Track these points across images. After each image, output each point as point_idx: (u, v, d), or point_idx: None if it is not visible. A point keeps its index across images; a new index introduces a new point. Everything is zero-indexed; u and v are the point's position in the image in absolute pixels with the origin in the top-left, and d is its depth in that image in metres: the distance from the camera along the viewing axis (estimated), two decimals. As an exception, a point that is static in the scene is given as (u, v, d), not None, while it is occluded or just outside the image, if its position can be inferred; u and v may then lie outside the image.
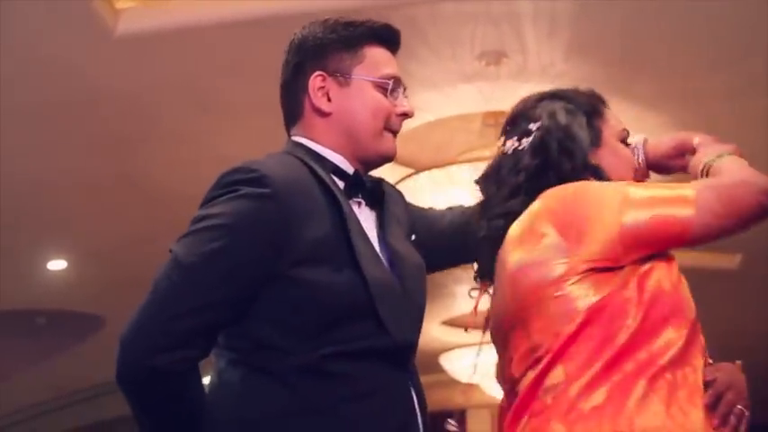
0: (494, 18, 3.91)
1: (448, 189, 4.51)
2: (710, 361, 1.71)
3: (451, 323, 7.45)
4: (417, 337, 1.76)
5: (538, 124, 1.76)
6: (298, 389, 1.61)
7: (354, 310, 1.64)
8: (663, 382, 1.55)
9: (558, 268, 1.59)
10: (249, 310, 1.64)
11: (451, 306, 6.97)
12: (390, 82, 1.79)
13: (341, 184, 1.75)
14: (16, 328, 6.82)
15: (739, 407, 1.66)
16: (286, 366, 1.62)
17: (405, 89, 1.84)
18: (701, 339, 1.66)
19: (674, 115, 4.67)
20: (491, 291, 1.75)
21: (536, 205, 1.67)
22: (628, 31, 4.03)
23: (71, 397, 8.07)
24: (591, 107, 1.83)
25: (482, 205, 1.80)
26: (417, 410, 1.71)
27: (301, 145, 1.79)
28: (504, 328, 1.70)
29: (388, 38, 1.83)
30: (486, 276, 1.76)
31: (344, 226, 1.67)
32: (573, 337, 1.57)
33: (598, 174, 1.73)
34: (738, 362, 1.76)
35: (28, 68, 4.01)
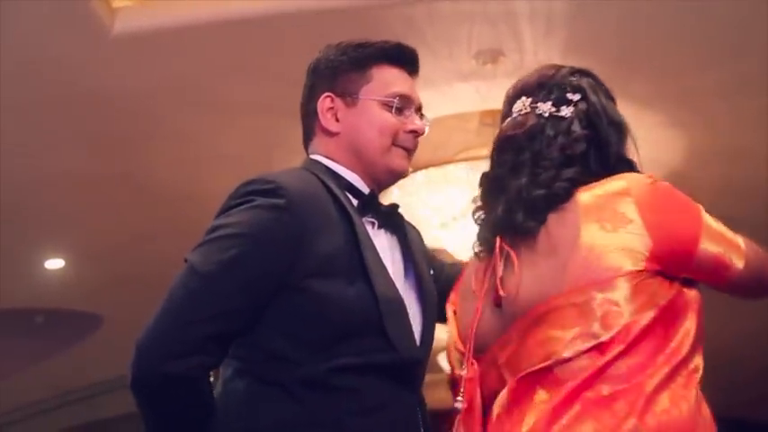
0: (490, 17, 3.91)
1: (445, 188, 4.52)
2: None
3: (450, 322, 7.46)
4: (426, 355, 1.78)
5: (578, 96, 1.75)
6: (303, 401, 1.63)
7: (363, 325, 1.67)
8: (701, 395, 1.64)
9: (641, 260, 1.58)
10: (258, 320, 1.66)
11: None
12: (396, 100, 1.82)
13: (355, 202, 1.79)
14: (14, 327, 6.82)
15: None
16: (293, 378, 1.64)
17: (419, 107, 1.88)
18: None
19: (670, 114, 4.68)
20: (514, 255, 1.65)
21: (619, 186, 1.64)
22: (624, 30, 4.03)
23: (69, 396, 8.06)
24: (612, 96, 1.84)
25: (520, 161, 1.71)
26: (421, 428, 1.72)
27: (318, 162, 1.84)
28: (548, 298, 1.59)
29: (399, 57, 1.87)
30: (528, 233, 1.65)
31: (356, 242, 1.70)
32: (644, 332, 1.56)
33: (633, 167, 1.76)
34: None
35: (25, 67, 4.01)
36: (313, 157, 1.86)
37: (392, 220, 1.85)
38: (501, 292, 1.64)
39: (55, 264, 6.06)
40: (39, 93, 4.23)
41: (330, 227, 1.69)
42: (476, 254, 1.76)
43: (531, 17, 3.89)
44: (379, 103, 1.82)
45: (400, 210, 1.89)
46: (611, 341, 1.54)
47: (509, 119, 1.78)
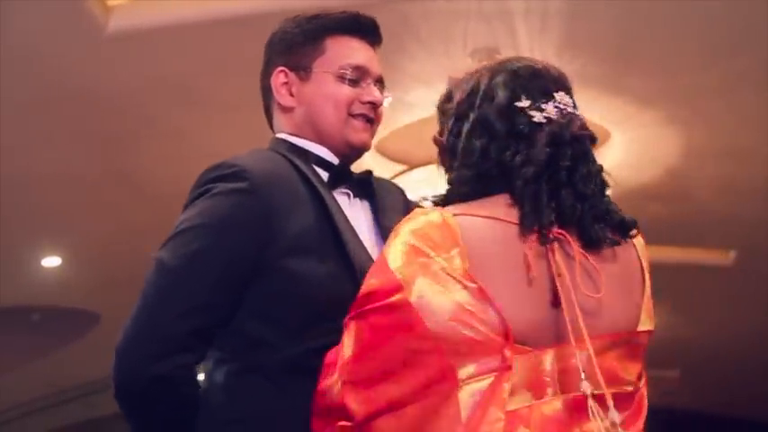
0: (486, 15, 3.91)
1: (442, 185, 4.52)
2: None
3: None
4: None
5: None
6: (285, 386, 1.59)
7: (341, 301, 1.58)
8: None
9: None
10: (237, 308, 1.62)
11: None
12: (349, 71, 1.77)
13: (325, 176, 1.74)
14: (11, 325, 6.82)
15: None
16: (274, 363, 1.60)
17: (379, 79, 1.81)
18: None
19: (668, 111, 4.68)
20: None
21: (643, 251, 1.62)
22: (620, 27, 4.03)
23: (66, 394, 8.06)
24: None
25: (593, 171, 1.55)
26: None
27: (283, 140, 1.79)
28: (631, 330, 1.54)
29: (355, 27, 1.80)
30: (606, 250, 1.54)
31: (329, 217, 1.65)
32: None
33: None
34: None
35: (20, 65, 4.00)
36: (278, 135, 1.81)
37: (366, 188, 1.80)
38: (593, 294, 1.50)
39: (52, 262, 6.06)
40: (34, 91, 4.22)
41: (300, 205, 1.65)
42: (479, 215, 1.52)
43: (526, 14, 3.88)
44: (332, 75, 1.76)
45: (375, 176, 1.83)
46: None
47: (559, 109, 1.58)
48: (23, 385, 7.68)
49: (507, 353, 1.45)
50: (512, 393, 1.45)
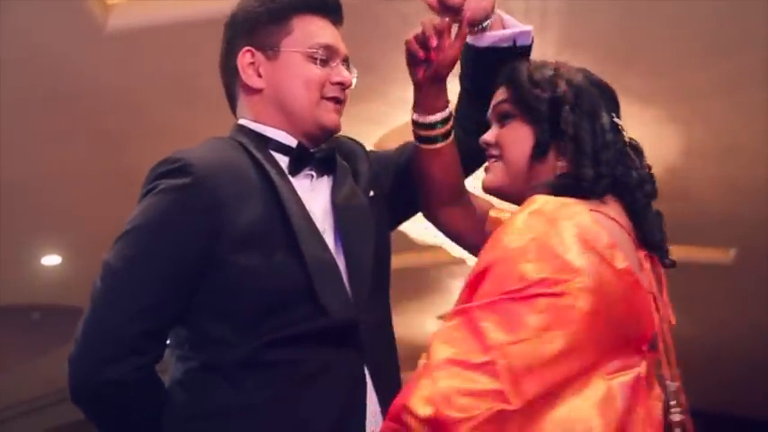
0: (485, 13, 3.90)
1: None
2: None
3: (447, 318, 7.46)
4: (367, 310, 1.65)
5: None
6: (241, 382, 1.57)
7: (294, 293, 1.58)
8: None
9: None
10: (191, 304, 1.59)
11: (447, 300, 6.97)
12: (320, 51, 1.73)
13: (285, 161, 1.70)
14: (11, 324, 6.81)
15: None
16: (230, 360, 1.57)
17: (346, 58, 1.77)
18: None
19: (667, 109, 4.67)
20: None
21: None
22: (620, 25, 4.02)
23: (66, 393, 8.05)
24: None
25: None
26: (371, 388, 1.63)
27: (243, 127, 1.74)
28: None
29: (321, 6, 1.77)
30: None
31: (281, 206, 1.61)
32: None
33: None
34: None
35: (20, 63, 4.00)
36: (239, 121, 1.76)
37: (331, 165, 1.74)
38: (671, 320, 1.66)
39: (51, 260, 6.06)
40: (33, 89, 4.22)
41: (251, 196, 1.60)
42: (609, 216, 1.58)
43: (525, 13, 3.87)
44: (302, 54, 1.72)
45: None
46: None
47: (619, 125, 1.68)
48: (23, 384, 7.68)
49: (644, 350, 1.55)
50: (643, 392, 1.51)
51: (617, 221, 1.57)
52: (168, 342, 1.65)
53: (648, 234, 1.62)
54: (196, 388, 1.60)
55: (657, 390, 1.54)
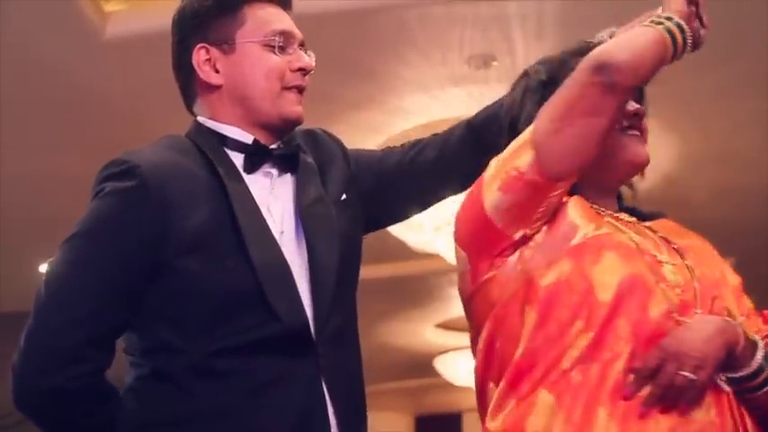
0: (482, 21, 3.91)
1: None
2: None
3: (446, 326, 7.45)
4: (329, 316, 1.59)
5: None
6: (192, 390, 1.52)
7: (243, 299, 1.53)
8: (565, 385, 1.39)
9: None
10: (140, 309, 1.54)
11: (446, 309, 6.97)
12: (277, 38, 1.66)
13: (241, 158, 1.64)
14: (7, 331, 6.79)
15: (683, 373, 1.37)
16: (180, 367, 1.52)
17: (302, 43, 1.71)
18: (621, 324, 1.42)
19: (664, 118, 4.67)
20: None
21: None
22: (614, 33, 4.03)
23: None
24: None
25: None
26: (327, 397, 1.56)
27: (199, 125, 1.69)
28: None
29: None
30: None
31: (230, 208, 1.56)
32: None
33: None
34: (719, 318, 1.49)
35: (18, 70, 4.00)
36: (197, 119, 1.70)
37: (294, 162, 1.67)
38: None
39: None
40: (32, 96, 4.22)
41: (200, 198, 1.55)
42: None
43: (522, 21, 3.88)
44: (259, 44, 1.65)
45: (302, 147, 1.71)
46: None
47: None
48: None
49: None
50: None
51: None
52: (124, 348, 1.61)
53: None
54: (147, 395, 1.55)
55: None
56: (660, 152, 4.95)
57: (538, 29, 3.93)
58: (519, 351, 1.41)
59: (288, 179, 1.67)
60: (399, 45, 3.87)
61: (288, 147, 1.68)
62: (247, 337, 1.52)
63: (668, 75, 5.09)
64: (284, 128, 1.68)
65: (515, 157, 1.46)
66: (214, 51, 1.67)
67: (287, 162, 1.67)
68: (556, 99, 1.46)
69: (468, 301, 1.53)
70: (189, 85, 1.72)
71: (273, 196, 1.64)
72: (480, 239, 1.47)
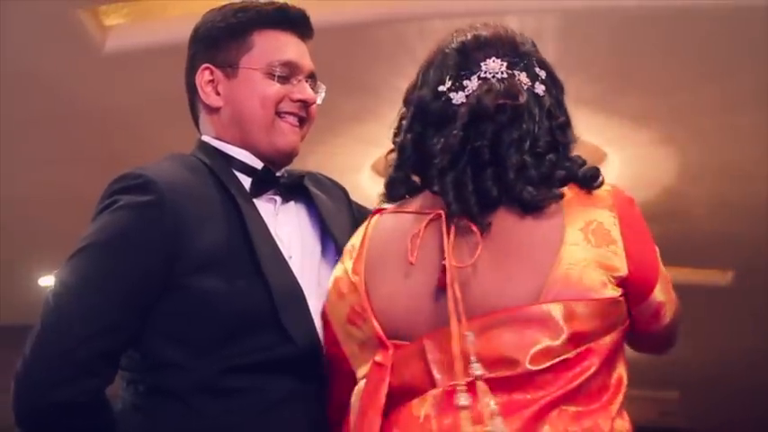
0: (482, 35, 3.91)
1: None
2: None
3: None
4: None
5: (544, 74, 1.52)
6: (200, 409, 1.50)
7: (256, 320, 1.52)
8: None
9: (617, 285, 1.42)
10: (145, 327, 1.53)
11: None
12: (278, 67, 1.66)
13: (248, 182, 1.64)
14: (6, 344, 6.78)
15: None
16: (187, 385, 1.51)
17: (311, 74, 1.69)
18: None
19: (664, 131, 4.68)
20: None
21: (605, 196, 1.44)
22: (615, 47, 4.03)
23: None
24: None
25: (511, 140, 1.41)
26: None
27: (206, 144, 1.68)
28: (519, 305, 1.41)
29: (284, 20, 1.69)
30: (500, 222, 1.41)
31: (244, 229, 1.55)
32: (609, 354, 1.48)
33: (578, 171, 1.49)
34: None
35: (18, 84, 4.01)
36: (202, 138, 1.70)
37: (297, 192, 1.68)
38: (450, 280, 1.37)
39: (49, 281, 6.04)
40: (31, 109, 4.23)
41: (213, 217, 1.54)
42: (399, 210, 1.50)
43: (520, 33, 3.89)
44: (260, 72, 1.65)
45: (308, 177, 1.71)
46: (579, 359, 1.38)
47: (483, 80, 1.46)
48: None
49: (378, 356, 1.41)
50: (396, 392, 1.37)
51: (411, 212, 1.47)
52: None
53: (459, 207, 1.41)
54: (150, 412, 1.53)
55: (439, 375, 1.37)
56: (660, 165, 4.96)
57: (537, 43, 3.93)
58: None
59: (291, 207, 1.68)
60: (399, 58, 3.88)
61: (293, 177, 1.69)
62: (258, 357, 1.52)
63: (667, 88, 5.12)
64: (277, 158, 1.68)
65: (672, 305, 1.54)
66: (218, 73, 1.68)
67: (290, 191, 1.68)
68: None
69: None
70: (194, 103, 1.73)
71: (279, 222, 1.65)
72: None
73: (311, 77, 1.71)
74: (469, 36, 1.52)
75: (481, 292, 1.40)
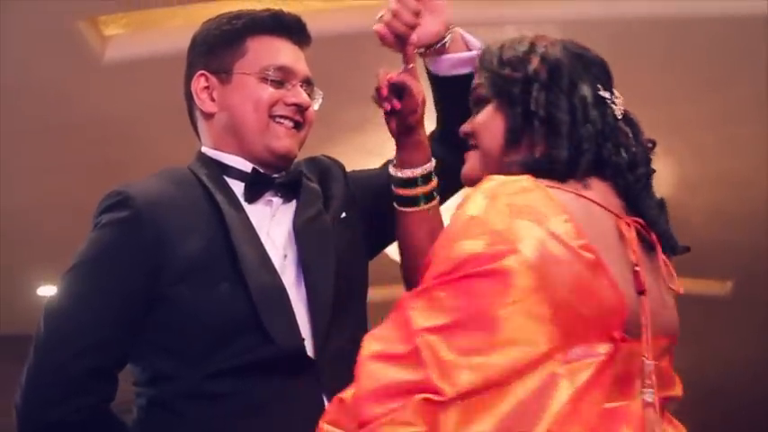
0: (479, 40, 3.92)
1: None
2: None
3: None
4: (329, 333, 1.59)
5: None
6: (185, 414, 1.52)
7: (238, 323, 1.53)
8: None
9: None
10: (138, 341, 1.55)
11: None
12: (272, 72, 1.67)
13: (242, 187, 1.65)
14: (6, 354, 6.78)
15: None
16: (173, 394, 1.53)
17: (307, 79, 1.70)
18: None
19: (660, 143, 4.65)
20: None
21: None
22: (613, 58, 4.03)
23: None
24: None
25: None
26: None
27: (202, 155, 1.70)
28: (675, 333, 1.50)
29: (278, 26, 1.70)
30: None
31: (228, 236, 1.56)
32: None
33: None
34: None
35: (18, 94, 4.02)
36: (201, 149, 1.72)
37: (294, 190, 1.68)
38: (673, 287, 1.44)
39: (47, 291, 6.04)
40: (31, 119, 4.24)
41: (197, 227, 1.56)
42: (578, 193, 1.42)
43: (519, 44, 3.90)
44: (254, 77, 1.66)
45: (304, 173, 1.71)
46: None
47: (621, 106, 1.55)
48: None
49: (616, 337, 1.33)
50: (611, 386, 1.32)
51: (597, 203, 1.42)
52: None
53: (647, 218, 1.47)
54: (148, 424, 1.56)
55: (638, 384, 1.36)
56: (657, 176, 4.93)
57: (535, 53, 3.94)
58: None
59: (292, 205, 1.68)
60: (397, 66, 3.88)
61: (290, 175, 1.70)
62: (242, 360, 1.53)
63: (665, 100, 5.14)
64: (273, 161, 1.69)
65: None
66: (213, 80, 1.69)
67: (290, 189, 1.69)
68: None
69: None
70: (192, 111, 1.75)
71: (275, 222, 1.65)
72: None
73: (307, 83, 1.72)
74: (599, 56, 1.65)
75: (667, 314, 1.46)
